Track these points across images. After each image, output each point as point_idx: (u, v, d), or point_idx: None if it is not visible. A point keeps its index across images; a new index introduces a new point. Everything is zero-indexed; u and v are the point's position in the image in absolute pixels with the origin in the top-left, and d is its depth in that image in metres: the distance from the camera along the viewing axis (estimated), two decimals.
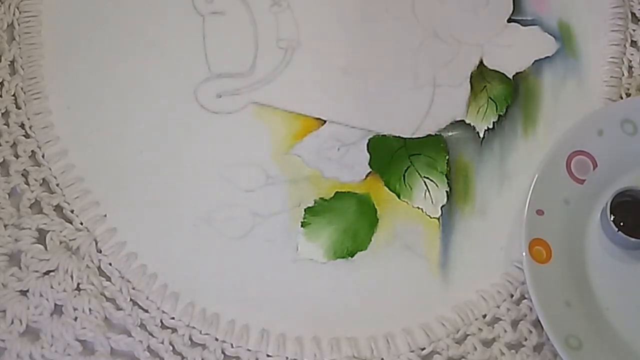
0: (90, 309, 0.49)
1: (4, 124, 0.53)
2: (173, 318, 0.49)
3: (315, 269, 0.51)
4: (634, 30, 0.57)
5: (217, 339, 0.49)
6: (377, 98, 0.55)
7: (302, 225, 0.52)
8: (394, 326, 0.50)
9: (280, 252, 0.51)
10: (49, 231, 0.51)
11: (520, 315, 0.50)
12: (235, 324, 0.49)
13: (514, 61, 0.56)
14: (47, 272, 0.50)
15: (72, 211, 0.52)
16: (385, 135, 0.54)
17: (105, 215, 0.52)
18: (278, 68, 0.55)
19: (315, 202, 0.52)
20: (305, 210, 0.52)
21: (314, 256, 0.51)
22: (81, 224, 0.51)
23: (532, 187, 0.50)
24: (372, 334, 0.49)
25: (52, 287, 0.49)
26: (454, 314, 0.50)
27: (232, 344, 0.49)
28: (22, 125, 0.53)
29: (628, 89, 0.56)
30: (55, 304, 0.49)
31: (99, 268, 0.50)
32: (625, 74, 0.56)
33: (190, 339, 0.49)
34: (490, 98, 0.55)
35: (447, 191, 0.53)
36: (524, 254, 0.49)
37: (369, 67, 0.56)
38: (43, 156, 0.53)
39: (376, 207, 0.52)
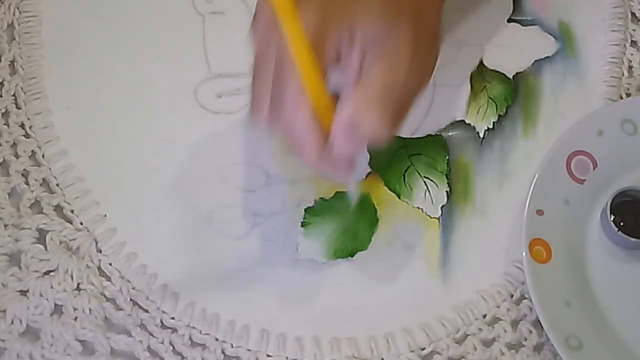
0: (90, 309, 0.49)
1: (4, 124, 0.53)
2: (173, 318, 0.49)
3: (315, 269, 0.51)
4: (634, 30, 0.57)
5: (217, 339, 0.49)
6: None
7: (302, 225, 0.52)
8: (394, 326, 0.50)
9: (280, 252, 0.51)
10: (49, 231, 0.51)
11: (520, 315, 0.50)
12: (235, 324, 0.49)
13: (514, 61, 0.56)
14: (47, 272, 0.50)
15: (72, 211, 0.52)
16: None
17: (105, 215, 0.52)
18: None
19: (315, 202, 0.52)
20: (305, 210, 0.52)
21: (314, 256, 0.51)
22: (81, 224, 0.51)
23: (532, 187, 0.50)
24: (372, 334, 0.49)
25: (52, 287, 0.49)
26: (454, 314, 0.50)
27: (232, 344, 0.49)
28: (22, 125, 0.53)
29: (628, 89, 0.56)
30: (55, 304, 0.49)
31: (99, 268, 0.50)
32: (625, 74, 0.56)
33: (190, 339, 0.49)
34: (490, 98, 0.55)
35: (447, 191, 0.53)
36: (524, 254, 0.49)
37: None
38: (43, 156, 0.53)
39: (376, 207, 0.52)
